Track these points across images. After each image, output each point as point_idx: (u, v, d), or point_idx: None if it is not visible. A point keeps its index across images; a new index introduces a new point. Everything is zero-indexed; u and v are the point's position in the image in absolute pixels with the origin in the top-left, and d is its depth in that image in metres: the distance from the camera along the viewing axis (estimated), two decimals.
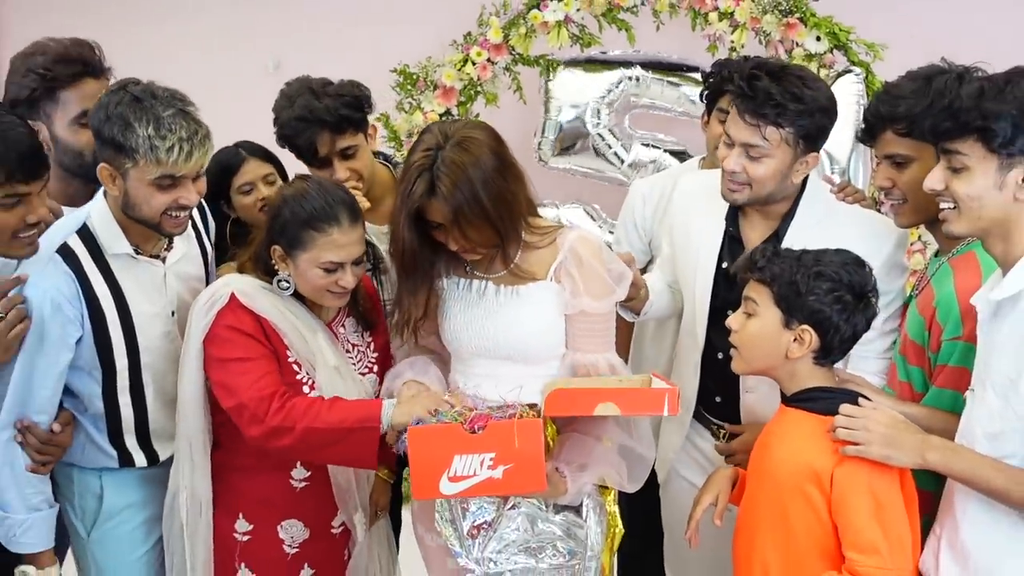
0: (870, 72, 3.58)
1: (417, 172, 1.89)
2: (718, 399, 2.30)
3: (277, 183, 2.63)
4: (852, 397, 1.82)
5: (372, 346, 2.26)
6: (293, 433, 1.96)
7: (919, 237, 3.62)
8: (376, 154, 2.65)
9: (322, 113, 2.38)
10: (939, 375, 1.92)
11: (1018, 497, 1.63)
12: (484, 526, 2.02)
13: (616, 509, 2.14)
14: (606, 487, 2.11)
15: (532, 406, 1.91)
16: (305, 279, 2.06)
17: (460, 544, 2.03)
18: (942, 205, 1.73)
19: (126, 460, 2.17)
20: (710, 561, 2.43)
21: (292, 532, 2.19)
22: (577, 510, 2.05)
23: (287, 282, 2.08)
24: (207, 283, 2.24)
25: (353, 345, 2.22)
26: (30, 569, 2.05)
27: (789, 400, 1.88)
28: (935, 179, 1.72)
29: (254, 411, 1.99)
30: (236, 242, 2.57)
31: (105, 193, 2.07)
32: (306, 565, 2.22)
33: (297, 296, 2.11)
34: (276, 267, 2.08)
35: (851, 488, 1.74)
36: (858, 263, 1.85)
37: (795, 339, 1.82)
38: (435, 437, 1.85)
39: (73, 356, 2.05)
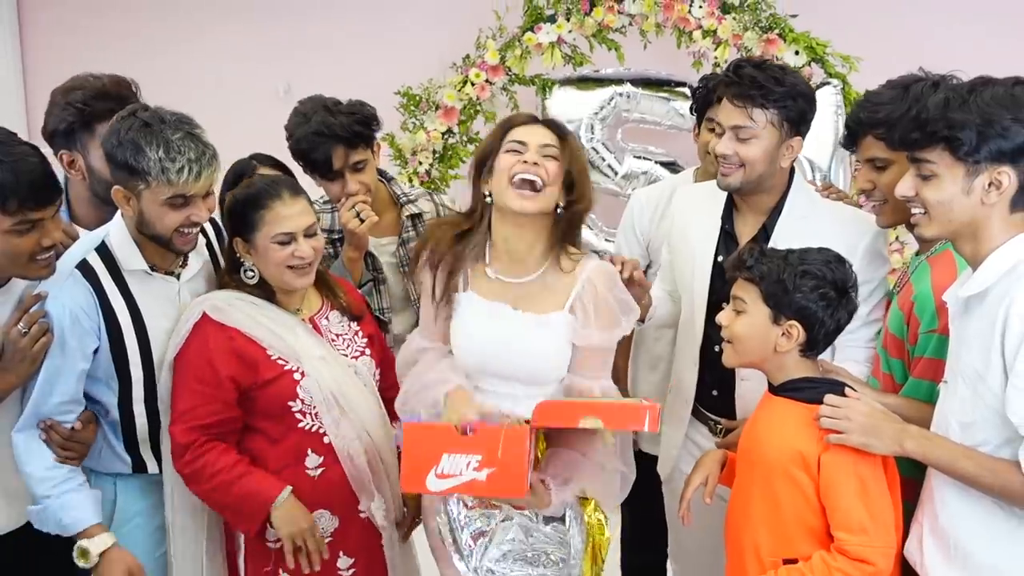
0: (846, 83, 3.69)
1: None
2: (715, 392, 2.36)
3: None
4: (836, 387, 1.87)
5: (360, 333, 2.32)
6: (200, 488, 2.13)
7: (896, 237, 3.70)
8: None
9: (337, 129, 2.51)
10: (916, 366, 1.97)
11: (988, 483, 1.67)
12: (480, 537, 2.08)
13: (601, 518, 2.16)
14: (586, 498, 2.13)
15: (527, 421, 1.93)
16: (266, 260, 2.14)
17: (460, 554, 2.09)
18: (913, 210, 1.77)
19: (139, 466, 2.21)
20: (712, 553, 2.47)
21: (321, 523, 2.21)
22: (562, 520, 2.09)
23: (252, 271, 2.17)
24: None
25: (337, 335, 2.27)
26: (85, 542, 2.05)
27: (776, 389, 1.94)
28: (906, 186, 1.75)
29: (174, 449, 2.13)
30: None
31: (123, 214, 2.13)
32: (342, 553, 2.24)
33: (271, 299, 2.19)
34: (242, 260, 2.17)
35: (838, 472, 1.78)
36: (839, 260, 1.90)
37: (783, 333, 1.87)
38: (428, 434, 1.90)
39: (91, 366, 2.09)
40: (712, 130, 2.62)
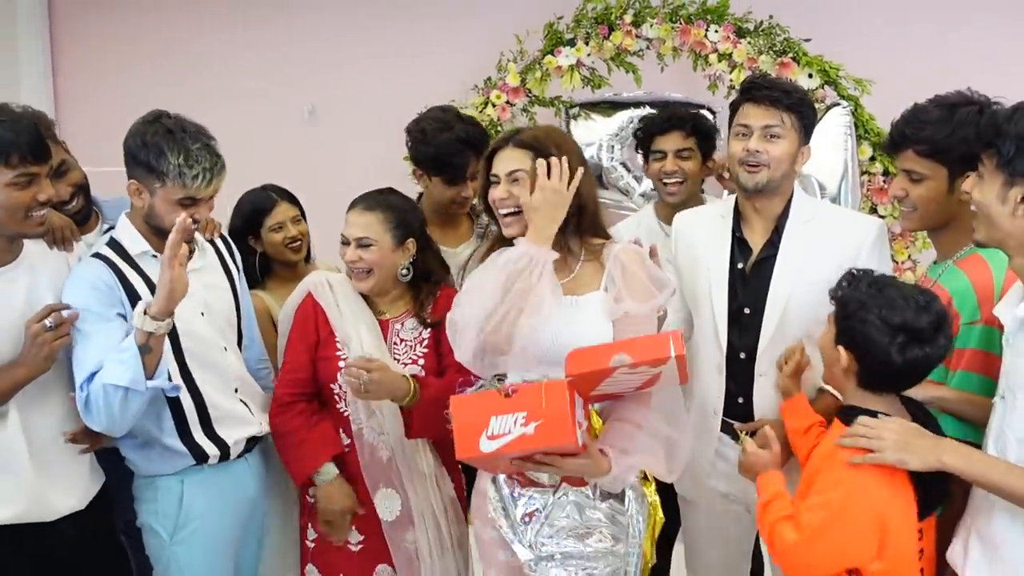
0: (859, 105, 3.77)
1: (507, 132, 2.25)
2: (740, 400, 2.41)
3: (301, 223, 2.90)
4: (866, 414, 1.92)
5: (426, 341, 2.49)
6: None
7: (908, 256, 3.84)
8: None
9: (476, 139, 2.72)
10: (962, 358, 2.03)
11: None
12: (535, 513, 2.15)
13: (657, 499, 2.23)
14: (647, 479, 2.21)
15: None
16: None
17: (513, 531, 2.16)
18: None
19: (200, 456, 2.34)
20: (727, 562, 2.63)
21: None
22: (620, 498, 2.15)
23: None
24: (235, 302, 2.50)
25: (401, 339, 2.50)
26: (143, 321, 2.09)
27: (839, 415, 2.02)
28: (969, 183, 1.85)
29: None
30: (263, 273, 2.88)
31: (127, 215, 2.34)
32: (354, 528, 2.48)
33: (366, 298, 2.50)
34: None
35: (826, 470, 1.89)
36: (924, 308, 1.89)
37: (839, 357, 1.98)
38: (474, 402, 1.98)
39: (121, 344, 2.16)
40: (659, 160, 2.93)
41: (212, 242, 2.52)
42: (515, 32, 4.01)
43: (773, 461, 2.11)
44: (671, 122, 2.94)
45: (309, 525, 2.53)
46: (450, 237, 2.77)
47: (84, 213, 2.63)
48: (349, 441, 2.45)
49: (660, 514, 2.23)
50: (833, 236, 2.29)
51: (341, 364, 2.40)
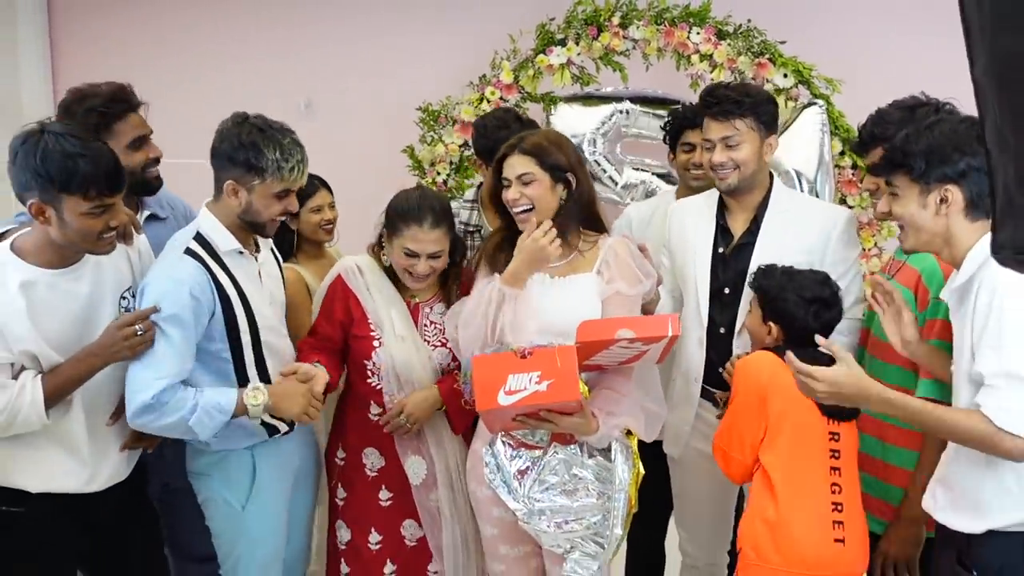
0: (830, 103, 3.97)
1: (512, 140, 2.52)
2: (720, 369, 2.58)
3: (334, 208, 3.12)
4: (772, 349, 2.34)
5: None
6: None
7: (875, 244, 4.07)
8: None
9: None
10: (933, 328, 2.26)
11: (960, 430, 1.91)
12: (527, 471, 2.38)
13: (637, 451, 2.47)
14: (630, 432, 2.45)
15: None
16: (394, 258, 2.57)
17: (507, 489, 2.39)
18: (897, 228, 2.13)
19: (272, 430, 2.48)
20: (713, 519, 2.85)
21: (371, 459, 2.64)
22: (606, 453, 2.39)
23: (386, 257, 2.61)
24: (282, 281, 2.66)
25: (432, 322, 2.64)
26: (247, 395, 2.30)
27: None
28: (881, 205, 2.15)
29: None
30: (295, 249, 3.08)
31: (209, 207, 2.40)
32: (384, 487, 2.64)
33: (395, 278, 2.61)
34: (383, 243, 2.62)
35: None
36: (825, 282, 2.40)
37: (769, 333, 2.44)
38: (494, 361, 2.23)
39: (208, 333, 2.32)
40: (688, 152, 3.07)
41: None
42: (509, 32, 4.15)
43: None
44: (699, 117, 3.08)
45: (339, 485, 2.70)
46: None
47: (154, 185, 2.72)
48: (380, 411, 2.61)
49: (640, 466, 2.47)
50: (806, 225, 2.55)
51: (375, 344, 2.57)
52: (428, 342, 2.62)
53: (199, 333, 2.33)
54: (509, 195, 2.44)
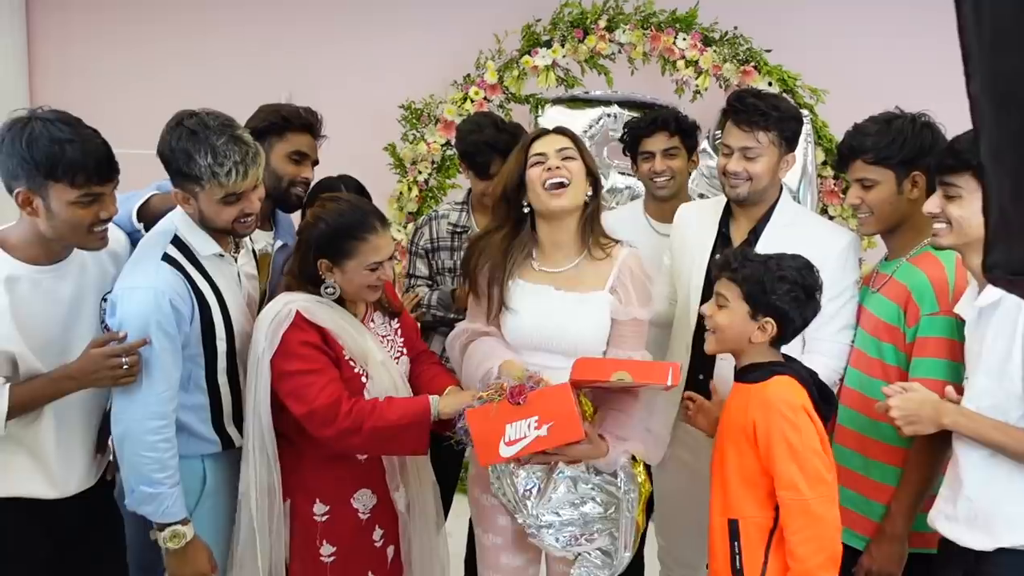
0: (814, 112, 3.98)
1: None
2: (701, 376, 2.59)
3: None
4: (779, 367, 2.12)
5: (399, 332, 2.51)
6: (361, 433, 2.20)
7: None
8: None
9: (501, 145, 2.94)
10: (925, 346, 2.24)
11: (1014, 448, 1.94)
12: (534, 490, 2.31)
13: (645, 475, 2.43)
14: (635, 459, 2.38)
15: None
16: (351, 281, 2.30)
17: (515, 508, 2.33)
18: (936, 225, 2.07)
19: (227, 443, 2.37)
20: (694, 528, 2.69)
21: (363, 500, 2.40)
22: (613, 475, 2.34)
23: (332, 288, 2.31)
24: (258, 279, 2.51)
25: (382, 336, 2.45)
26: (181, 527, 2.23)
27: (737, 375, 2.19)
28: (932, 204, 2.06)
29: (324, 416, 2.20)
30: None
31: (187, 212, 2.27)
32: (377, 526, 2.44)
33: (337, 301, 2.33)
34: (323, 277, 2.30)
35: (770, 440, 2.03)
36: (809, 267, 2.13)
37: (759, 328, 2.10)
38: (488, 414, 2.12)
39: (183, 343, 2.22)
40: (648, 160, 3.05)
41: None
42: (494, 32, 4.15)
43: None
44: (656, 124, 3.07)
45: (324, 542, 2.39)
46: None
47: (293, 203, 2.81)
48: (366, 457, 2.42)
49: (649, 484, 2.43)
50: (805, 242, 2.43)
51: (364, 380, 2.32)
52: (391, 356, 2.47)
53: (180, 341, 2.24)
54: (548, 163, 2.31)
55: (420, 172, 4.28)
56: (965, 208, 2.00)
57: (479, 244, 2.46)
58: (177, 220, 2.31)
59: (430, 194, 4.30)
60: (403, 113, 4.27)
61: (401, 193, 4.31)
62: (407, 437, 2.26)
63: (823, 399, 2.14)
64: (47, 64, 4.97)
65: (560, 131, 2.41)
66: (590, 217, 2.40)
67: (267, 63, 4.69)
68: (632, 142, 3.12)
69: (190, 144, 2.15)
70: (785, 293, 2.08)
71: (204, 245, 2.30)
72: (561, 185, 2.32)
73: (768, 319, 2.10)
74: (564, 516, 2.31)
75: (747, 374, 2.16)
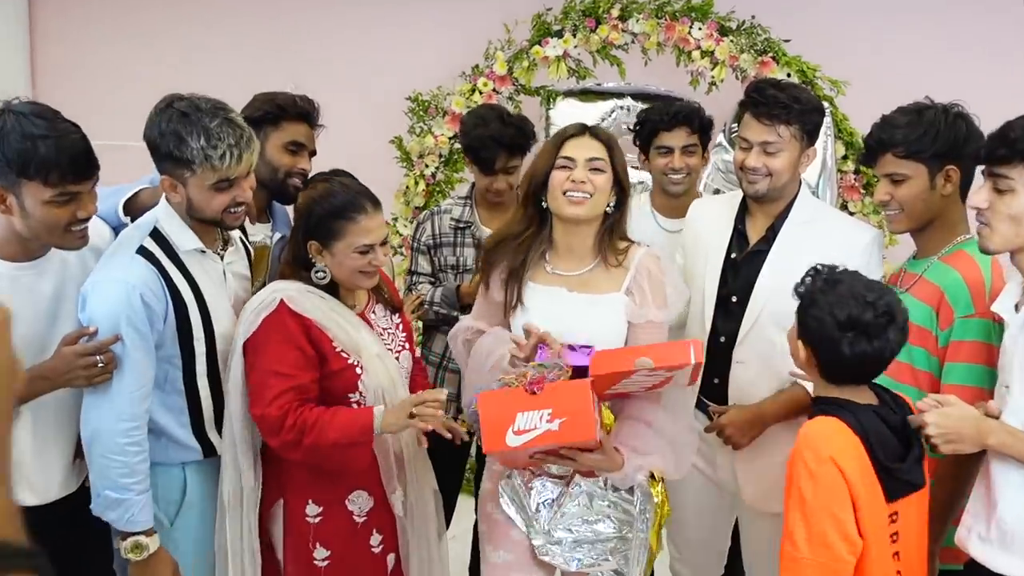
0: (834, 105, 3.87)
1: (574, 126, 2.29)
2: (716, 380, 2.51)
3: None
4: (834, 408, 1.92)
5: (400, 327, 2.46)
6: (301, 447, 2.17)
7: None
8: None
9: (506, 138, 2.89)
10: (960, 350, 2.12)
11: None
12: (548, 503, 2.23)
13: (664, 496, 2.36)
14: (653, 478, 2.29)
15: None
16: (342, 265, 2.24)
17: (526, 521, 2.24)
18: (979, 220, 1.94)
19: (208, 450, 2.27)
20: (706, 539, 2.72)
21: (359, 503, 2.33)
22: (629, 491, 2.25)
23: (323, 272, 2.26)
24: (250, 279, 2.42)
25: (384, 329, 2.39)
26: (144, 539, 2.14)
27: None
28: (980, 198, 1.92)
29: (270, 425, 2.17)
30: None
31: (168, 200, 2.18)
32: (374, 531, 2.36)
33: (331, 291, 2.28)
34: (313, 260, 2.26)
35: (788, 484, 1.89)
36: (875, 304, 1.89)
37: (804, 351, 1.96)
38: (501, 398, 2.03)
39: (158, 343, 2.13)
40: (665, 155, 2.96)
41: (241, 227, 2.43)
42: (504, 21, 4.05)
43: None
44: (677, 119, 2.98)
45: (317, 544, 2.33)
46: (497, 221, 2.90)
47: (291, 195, 2.68)
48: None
49: (668, 507, 2.34)
50: (826, 239, 2.38)
51: (358, 371, 2.27)
52: (391, 350, 2.40)
53: (154, 340, 2.15)
54: (577, 175, 2.21)
55: (427, 166, 4.19)
56: (1016, 203, 1.87)
57: (502, 246, 2.36)
58: (160, 213, 2.22)
59: (437, 188, 4.21)
60: (410, 105, 4.19)
61: (408, 187, 4.22)
62: (349, 454, 2.22)
63: (897, 455, 1.92)
64: (49, 59, 4.90)
65: (595, 134, 2.30)
66: (610, 228, 2.30)
67: (272, 55, 4.63)
68: (649, 134, 3.02)
69: (181, 126, 2.05)
70: (823, 319, 1.91)
71: (185, 239, 2.20)
72: (585, 196, 2.23)
73: (804, 342, 1.96)
74: (577, 533, 2.22)
75: (814, 407, 2.02)
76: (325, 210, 2.24)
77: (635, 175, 4.02)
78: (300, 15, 4.69)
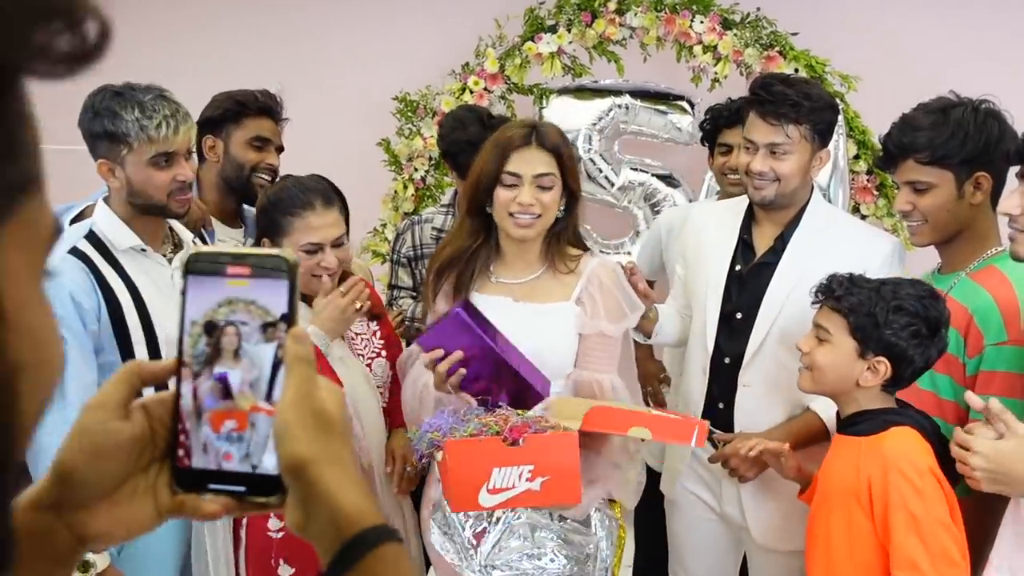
0: (845, 102, 3.68)
1: (519, 126, 2.12)
2: (721, 405, 2.34)
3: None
4: (891, 416, 1.83)
5: (378, 334, 2.39)
6: None
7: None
8: None
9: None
10: (991, 381, 1.92)
11: None
12: (484, 533, 2.05)
13: (623, 521, 2.22)
14: (614, 500, 2.17)
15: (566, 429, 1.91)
16: None
17: (460, 556, 2.05)
18: (1011, 226, 1.77)
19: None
20: (716, 568, 2.53)
21: None
22: (585, 522, 2.09)
23: None
24: None
25: (357, 334, 2.33)
26: (90, 556, 2.04)
27: (841, 426, 1.91)
28: (1012, 204, 1.75)
29: None
30: None
31: (107, 199, 2.16)
32: None
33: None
34: None
35: (888, 508, 1.74)
36: (933, 296, 1.83)
37: (869, 368, 1.81)
38: (474, 449, 1.83)
39: (96, 348, 2.08)
40: (725, 154, 2.77)
41: (200, 234, 2.37)
42: (495, 17, 3.90)
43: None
44: (739, 115, 2.77)
45: (282, 561, 2.27)
46: None
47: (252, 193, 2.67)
48: None
49: (626, 535, 2.21)
50: (841, 249, 2.18)
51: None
52: (361, 356, 2.33)
53: (91, 342, 2.08)
54: (521, 198, 2.06)
55: (416, 169, 4.01)
56: None
57: (451, 264, 2.21)
58: (97, 214, 2.19)
59: (427, 193, 4.04)
60: (397, 106, 4.03)
61: (396, 192, 4.04)
62: None
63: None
64: None
65: (542, 142, 2.10)
66: (558, 235, 2.17)
67: (255, 54, 4.48)
68: (711, 131, 2.88)
69: (115, 102, 2.06)
70: (903, 327, 1.80)
71: (121, 237, 2.15)
72: (534, 218, 2.10)
73: (880, 358, 1.81)
74: (519, 569, 2.02)
75: (854, 424, 1.85)
76: (273, 204, 2.22)
77: (637, 176, 3.94)
78: (284, 14, 4.56)
